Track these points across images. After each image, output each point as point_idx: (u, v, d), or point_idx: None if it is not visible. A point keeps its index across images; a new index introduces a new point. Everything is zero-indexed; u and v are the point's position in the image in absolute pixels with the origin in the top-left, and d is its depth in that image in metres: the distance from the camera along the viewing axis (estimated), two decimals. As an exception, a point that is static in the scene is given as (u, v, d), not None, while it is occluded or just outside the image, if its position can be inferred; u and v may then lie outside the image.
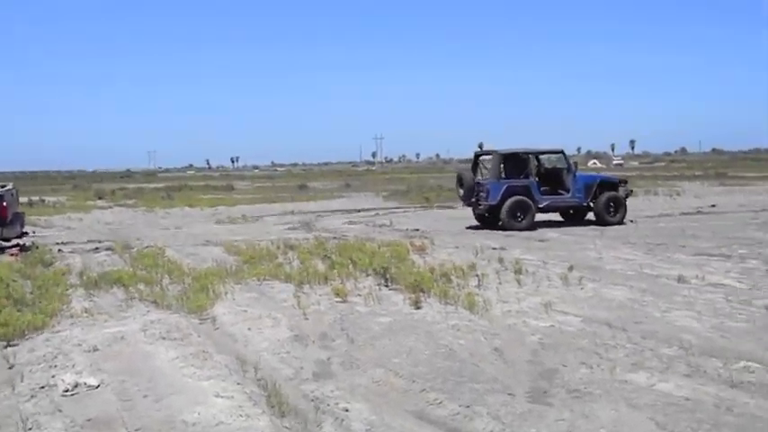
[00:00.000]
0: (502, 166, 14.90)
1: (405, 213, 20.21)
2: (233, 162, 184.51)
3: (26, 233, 13.30)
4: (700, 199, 22.34)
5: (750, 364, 4.91)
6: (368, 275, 8.88)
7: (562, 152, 16.08)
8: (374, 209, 22.19)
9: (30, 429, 4.11)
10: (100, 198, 32.52)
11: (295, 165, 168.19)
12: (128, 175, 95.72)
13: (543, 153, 16.19)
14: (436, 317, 6.65)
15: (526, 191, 14.70)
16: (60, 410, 4.39)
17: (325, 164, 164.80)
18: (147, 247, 12.67)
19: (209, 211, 23.09)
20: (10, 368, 5.39)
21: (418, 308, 7.03)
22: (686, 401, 4.27)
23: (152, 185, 47.66)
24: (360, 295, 7.69)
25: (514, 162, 15.19)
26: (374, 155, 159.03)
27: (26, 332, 6.31)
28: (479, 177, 15.54)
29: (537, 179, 15.06)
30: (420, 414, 4.21)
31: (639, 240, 12.04)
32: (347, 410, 4.24)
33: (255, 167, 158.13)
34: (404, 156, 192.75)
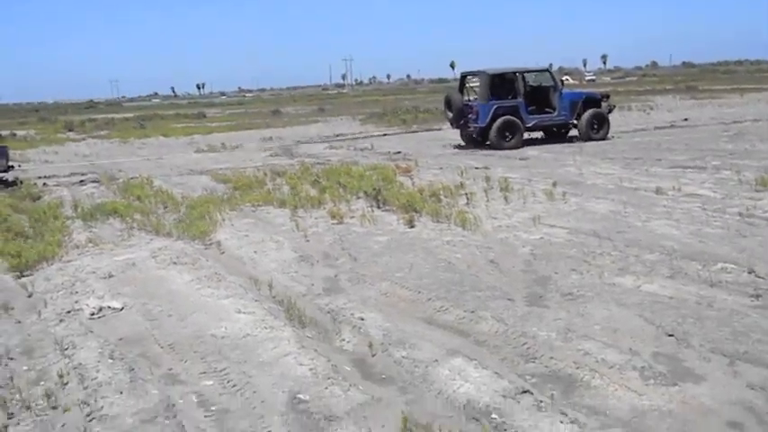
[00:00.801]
0: (490, 86, 14.95)
1: (384, 136, 20.30)
2: (199, 89, 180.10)
3: (12, 167, 13.22)
4: (672, 113, 22.73)
5: (727, 265, 5.33)
6: (358, 198, 9.15)
7: (548, 71, 16.20)
8: (352, 133, 22.22)
9: (66, 350, 4.39)
10: (70, 130, 31.85)
11: (263, 90, 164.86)
12: (91, 105, 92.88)
13: (530, 72, 16.23)
14: (431, 234, 6.98)
15: (514, 111, 14.84)
16: (92, 331, 4.67)
17: (294, 88, 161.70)
18: (132, 178, 12.72)
19: (185, 140, 22.90)
20: (29, 296, 5.63)
21: (412, 227, 7.35)
22: (670, 300, 4.69)
23: (120, 115, 46.59)
24: (354, 217, 7.97)
25: (502, 82, 15.21)
26: (344, 77, 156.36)
27: (37, 263, 6.51)
28: (467, 98, 15.62)
29: (524, 99, 15.16)
30: (429, 320, 4.58)
31: (617, 155, 12.42)
32: (362, 319, 4.59)
33: (223, 94, 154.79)
34: (374, 77, 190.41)
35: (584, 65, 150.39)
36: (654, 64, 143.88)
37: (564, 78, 18.08)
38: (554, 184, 9.18)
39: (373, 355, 4.00)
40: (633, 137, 15.89)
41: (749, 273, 5.13)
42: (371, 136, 20.49)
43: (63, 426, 3.39)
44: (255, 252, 6.61)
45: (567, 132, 15.79)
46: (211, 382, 3.77)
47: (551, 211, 7.79)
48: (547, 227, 7.01)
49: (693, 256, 5.65)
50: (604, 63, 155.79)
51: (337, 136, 21.36)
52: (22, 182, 12.80)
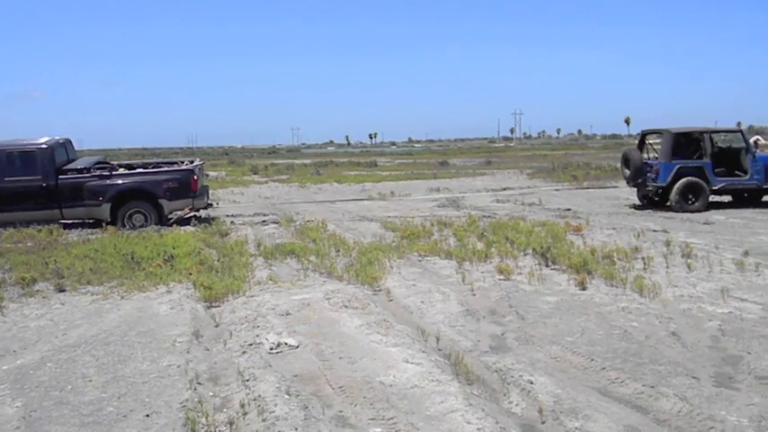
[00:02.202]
0: (673, 145, 14.24)
1: (553, 192, 19.88)
2: (371, 138, 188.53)
3: (211, 204, 14.61)
4: None
5: None
6: (526, 254, 8.99)
7: (740, 131, 15.13)
8: (519, 187, 21.99)
9: (247, 380, 4.70)
10: (255, 173, 34.65)
11: (431, 141, 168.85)
12: (274, 150, 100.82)
13: (718, 132, 15.34)
14: (604, 298, 6.67)
15: (700, 172, 14.01)
16: (270, 366, 4.96)
17: (462, 140, 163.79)
18: (308, 221, 13.50)
19: (357, 187, 23.96)
20: (216, 326, 6.14)
21: (584, 289, 7.07)
22: None
23: (299, 161, 49.95)
24: (521, 274, 7.84)
25: (687, 142, 14.47)
26: (512, 131, 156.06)
27: (224, 295, 7.09)
28: (647, 157, 14.98)
29: (711, 160, 14.26)
30: (604, 391, 4.35)
31: (820, 225, 11.15)
32: (531, 382, 4.46)
33: (393, 143, 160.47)
34: (543, 132, 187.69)
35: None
36: None
37: (755, 139, 16.67)
38: (745, 254, 8.42)
39: (543, 422, 3.87)
40: (840, 205, 14.18)
41: None
42: (540, 191, 20.16)
43: (243, 454, 3.62)
44: (422, 302, 6.71)
45: (761, 198, 14.47)
46: (380, 430, 3.84)
47: (742, 283, 7.14)
48: (737, 300, 6.42)
49: None
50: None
51: (504, 189, 21.24)
52: (213, 219, 14.08)
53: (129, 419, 4.17)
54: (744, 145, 14.43)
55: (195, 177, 13.46)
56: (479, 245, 9.70)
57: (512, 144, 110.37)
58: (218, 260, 9.20)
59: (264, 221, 14.13)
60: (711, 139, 14.70)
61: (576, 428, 3.77)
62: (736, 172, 14.32)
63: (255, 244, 10.49)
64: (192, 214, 13.88)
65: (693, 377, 4.51)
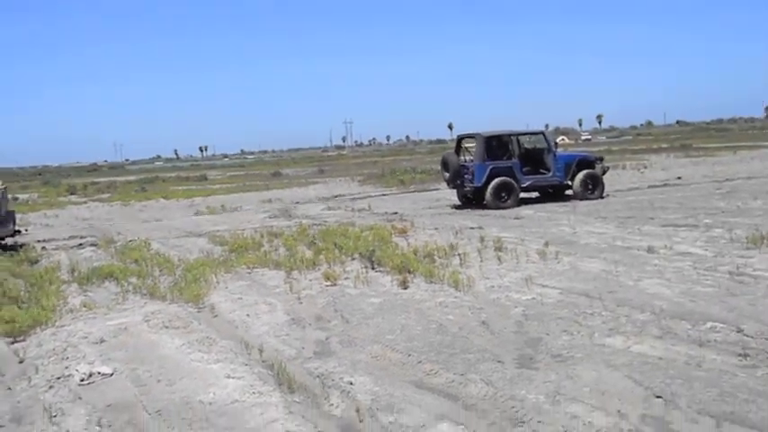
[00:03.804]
0: (485, 148, 15.28)
1: (382, 197, 20.53)
2: (202, 151, 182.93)
3: (18, 231, 13.35)
4: (666, 171, 23.02)
5: (716, 324, 5.35)
6: (353, 259, 9.21)
7: (542, 133, 16.70)
8: (351, 193, 22.46)
9: (54, 416, 4.37)
10: (72, 194, 32.24)
11: (265, 152, 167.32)
12: (95, 168, 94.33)
13: (524, 134, 16.82)
14: (424, 295, 7.01)
15: (510, 172, 15.17)
16: (80, 398, 4.65)
17: (296, 150, 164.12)
18: (130, 240, 12.82)
19: (185, 203, 23.14)
20: (21, 362, 5.63)
21: (406, 288, 7.38)
22: (659, 360, 4.69)
23: (123, 178, 47.25)
24: (348, 278, 8.01)
25: (497, 144, 15.67)
26: (344, 139, 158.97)
27: (30, 328, 6.52)
28: (463, 159, 15.92)
29: (519, 160, 15.50)
30: (419, 383, 4.57)
31: (610, 214, 12.54)
32: (351, 383, 4.58)
33: (225, 156, 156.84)
34: (374, 139, 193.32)
35: (580, 125, 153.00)
36: (649, 123, 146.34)
37: (560, 138, 18.61)
38: (546, 244, 9.26)
39: (361, 421, 3.99)
40: (627, 196, 16.07)
41: (738, 332, 5.14)
42: (369, 196, 20.72)
43: (45, 496, 3.36)
44: (248, 315, 6.63)
45: (563, 193, 16.00)
46: (197, 450, 3.75)
47: (544, 271, 7.84)
48: (539, 287, 7.04)
49: (683, 315, 5.67)
50: (600, 123, 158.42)
51: (336, 197, 21.58)
52: (21, 245, 12.88)
53: None
54: (546, 145, 15.89)
55: (-2, 203, 12.25)
56: (308, 253, 9.78)
57: (344, 152, 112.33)
58: (25, 290, 8.44)
59: (81, 244, 13.20)
60: (518, 141, 16.06)
61: (391, 422, 3.93)
62: (541, 170, 15.73)
63: (69, 269, 9.76)
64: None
65: (499, 361, 4.88)
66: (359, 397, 4.34)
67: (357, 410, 4.08)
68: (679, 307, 5.94)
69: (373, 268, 8.53)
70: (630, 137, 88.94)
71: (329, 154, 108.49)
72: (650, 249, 8.56)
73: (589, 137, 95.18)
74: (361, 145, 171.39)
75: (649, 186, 18.02)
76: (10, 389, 5.03)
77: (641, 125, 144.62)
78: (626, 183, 19.31)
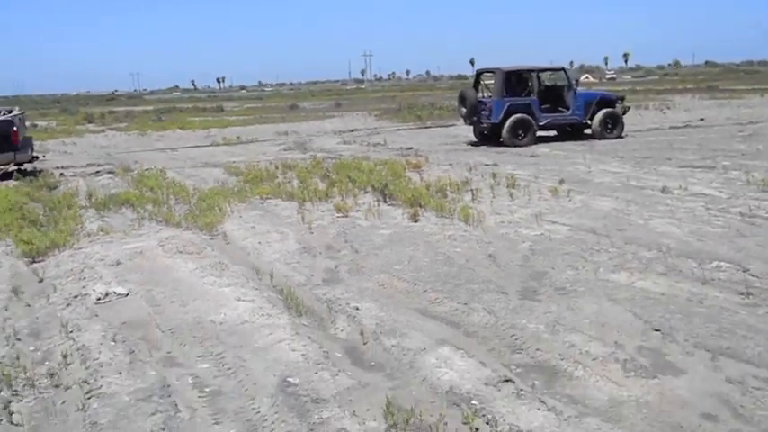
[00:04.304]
0: (504, 84, 15.01)
1: (398, 132, 20.40)
2: (219, 83, 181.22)
3: (36, 157, 13.52)
4: (689, 113, 22.56)
5: (722, 263, 5.38)
6: (366, 192, 9.26)
7: (563, 69, 16.19)
8: (367, 128, 22.33)
9: (71, 332, 4.56)
10: (90, 122, 32.28)
11: (282, 84, 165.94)
12: (113, 98, 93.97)
13: (544, 70, 16.37)
14: (433, 228, 7.08)
15: (528, 109, 14.91)
16: (97, 315, 4.84)
17: (314, 83, 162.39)
18: (147, 169, 12.93)
19: (201, 133, 23.14)
20: (40, 281, 5.83)
21: (416, 221, 7.45)
22: (661, 296, 4.76)
23: (140, 108, 47.15)
24: (360, 211, 8.09)
25: (516, 80, 15.30)
26: (363, 73, 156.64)
27: (49, 250, 6.71)
28: (481, 95, 15.68)
29: (538, 97, 15.23)
30: (423, 311, 4.69)
31: (627, 154, 12.41)
32: (358, 309, 4.72)
33: (243, 88, 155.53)
34: (393, 73, 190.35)
35: (606, 63, 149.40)
36: (676, 63, 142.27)
37: (584, 77, 18.19)
38: (560, 182, 9.24)
39: (365, 343, 4.12)
40: (647, 136, 15.83)
41: (743, 271, 5.17)
42: (386, 131, 20.59)
43: (63, 403, 3.55)
44: (260, 243, 6.76)
45: (582, 132, 15.77)
46: (207, 365, 3.92)
47: (555, 208, 7.85)
48: (549, 223, 7.08)
49: (690, 254, 5.70)
50: (626, 61, 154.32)
51: (352, 131, 21.46)
52: (40, 171, 13.08)
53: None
54: (566, 83, 15.57)
55: (15, 129, 12.36)
56: (322, 185, 9.84)
57: (363, 86, 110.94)
58: (43, 214, 8.63)
59: (98, 172, 13.36)
60: (539, 78, 15.71)
61: (393, 345, 4.06)
62: (560, 108, 15.46)
63: (87, 195, 9.93)
64: (14, 168, 12.81)
65: (502, 293, 4.97)
66: (364, 321, 4.47)
67: (361, 333, 4.22)
68: (687, 246, 5.97)
69: (385, 201, 8.59)
70: (657, 77, 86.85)
71: (348, 87, 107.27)
72: (664, 189, 8.52)
73: (614, 75, 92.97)
74: (380, 79, 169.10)
75: (671, 127, 17.71)
76: (29, 305, 5.23)
77: (669, 65, 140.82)
78: (647, 123, 18.98)
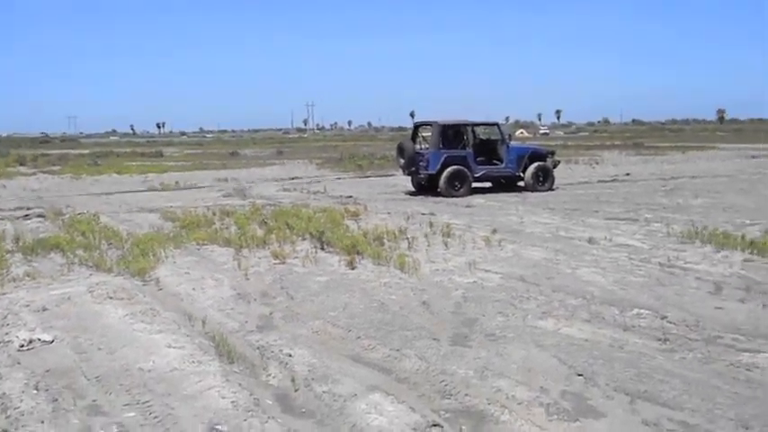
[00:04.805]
0: (441, 136, 15.48)
1: (339, 180, 20.59)
2: (159, 128, 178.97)
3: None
4: (616, 167, 23.63)
5: (642, 311, 5.65)
6: (304, 239, 9.30)
7: (497, 125, 16.95)
8: (308, 176, 22.45)
9: (-9, 380, 4.39)
10: (21, 164, 31.28)
11: (224, 131, 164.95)
12: (46, 140, 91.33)
13: (479, 125, 17.10)
14: (369, 276, 7.16)
15: (464, 161, 15.40)
16: (19, 363, 4.67)
17: (256, 130, 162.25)
18: (79, 213, 12.62)
19: (139, 178, 22.77)
20: (-41, 328, 5.58)
21: (353, 268, 7.52)
22: (585, 342, 4.95)
23: (75, 151, 46.03)
24: (297, 257, 8.11)
25: (453, 133, 15.84)
26: (305, 122, 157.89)
27: (-30, 295, 6.45)
28: (419, 147, 16.09)
29: (473, 150, 15.75)
30: (356, 357, 4.73)
31: (558, 206, 12.89)
32: (290, 355, 4.72)
33: (183, 134, 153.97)
34: (335, 123, 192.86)
35: (539, 119, 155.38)
36: (605, 120, 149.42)
37: (520, 131, 19.02)
38: (493, 232, 9.52)
39: (296, 390, 4.13)
40: (576, 189, 16.49)
41: (661, 318, 5.44)
42: (327, 180, 20.76)
43: (-22, 454, 3.41)
44: (194, 289, 6.69)
45: (515, 184, 16.33)
46: (133, 414, 3.84)
47: (488, 256, 8.07)
48: (481, 271, 7.26)
49: (613, 301, 5.95)
50: (558, 118, 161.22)
51: (293, 179, 21.54)
52: (-36, 214, 12.57)
53: None
54: (500, 137, 16.20)
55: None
56: (260, 232, 9.83)
57: (305, 135, 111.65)
58: (-35, 259, 8.29)
59: (27, 215, 12.94)
60: (474, 132, 16.32)
61: (324, 392, 4.08)
62: (494, 161, 16.03)
63: (14, 239, 9.60)
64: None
65: (434, 339, 5.07)
66: (296, 368, 4.47)
67: (293, 380, 4.22)
68: (610, 294, 6.24)
69: (323, 248, 8.64)
70: (587, 133, 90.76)
71: (290, 136, 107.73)
72: (591, 240, 8.88)
73: (548, 131, 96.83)
74: (322, 129, 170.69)
75: (598, 181, 18.51)
76: (-54, 354, 5.00)
77: (598, 122, 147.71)
78: (577, 177, 19.78)
